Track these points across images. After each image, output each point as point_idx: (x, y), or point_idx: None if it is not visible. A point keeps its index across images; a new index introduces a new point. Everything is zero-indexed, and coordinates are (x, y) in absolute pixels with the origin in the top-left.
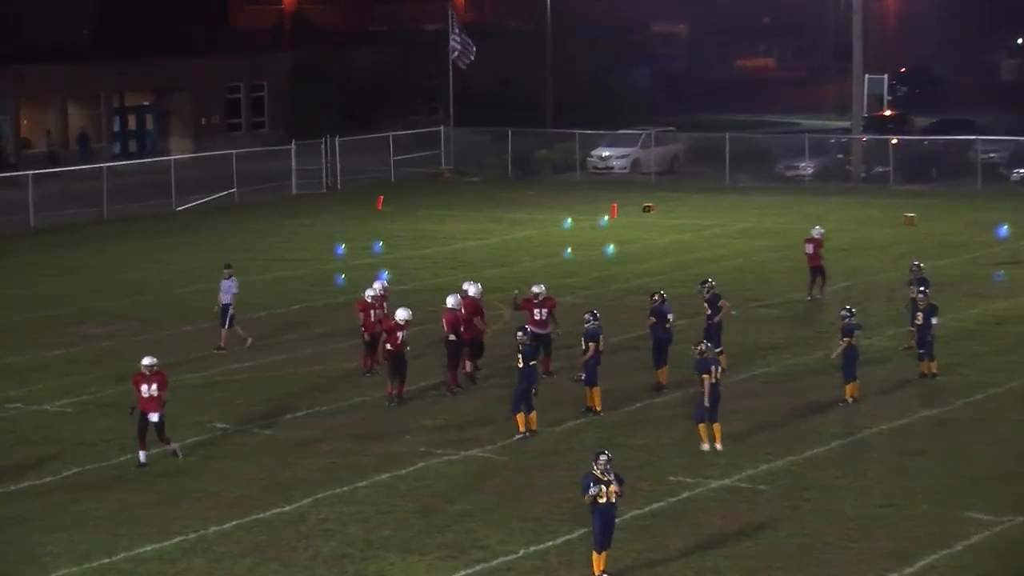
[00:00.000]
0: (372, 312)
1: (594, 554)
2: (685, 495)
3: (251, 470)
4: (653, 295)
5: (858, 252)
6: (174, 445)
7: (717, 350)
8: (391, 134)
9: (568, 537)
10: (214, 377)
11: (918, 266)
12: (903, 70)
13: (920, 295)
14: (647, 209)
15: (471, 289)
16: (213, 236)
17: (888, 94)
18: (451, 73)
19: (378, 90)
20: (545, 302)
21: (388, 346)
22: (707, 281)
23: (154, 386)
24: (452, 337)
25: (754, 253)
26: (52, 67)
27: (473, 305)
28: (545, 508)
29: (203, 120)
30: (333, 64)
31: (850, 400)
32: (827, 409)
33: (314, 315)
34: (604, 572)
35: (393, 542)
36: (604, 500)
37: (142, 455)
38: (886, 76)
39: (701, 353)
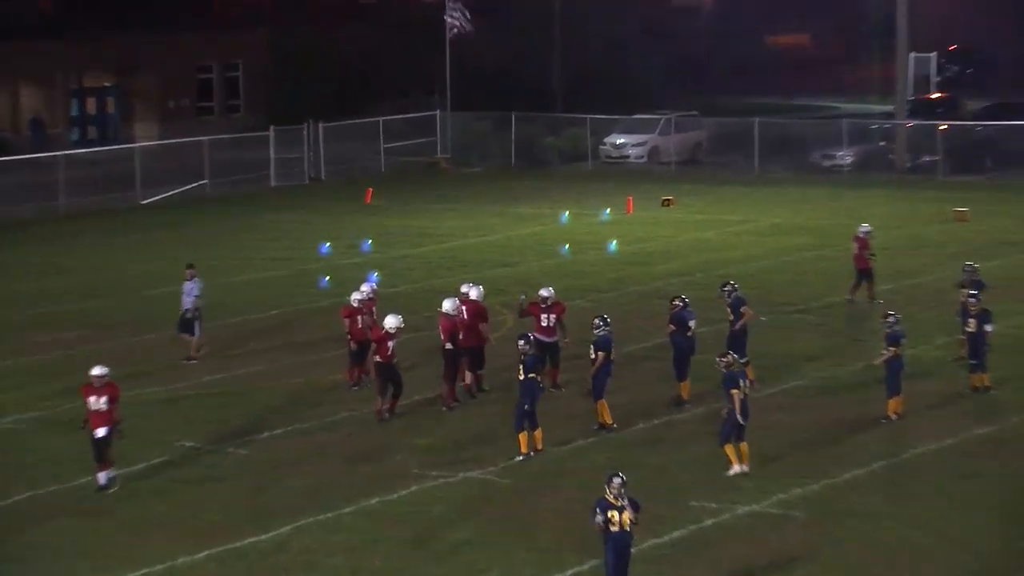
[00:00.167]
0: (359, 318)
1: None
2: (709, 522)
3: (225, 494)
4: (673, 299)
5: (903, 252)
6: (109, 474)
7: (743, 360)
8: (381, 119)
9: (578, 569)
10: (183, 391)
11: (971, 267)
12: (953, 48)
13: (972, 299)
14: (666, 203)
15: (473, 292)
16: (182, 233)
17: (936, 74)
18: (448, 52)
19: (367, 70)
20: (553, 307)
21: (378, 358)
22: (729, 283)
23: (103, 399)
24: (449, 346)
25: (786, 252)
26: (2, 44)
27: (476, 310)
28: (552, 537)
29: (171, 103)
30: (317, 41)
31: (894, 416)
32: (868, 426)
33: (295, 321)
34: None
35: (383, 574)
36: (617, 528)
37: (102, 476)
38: (934, 55)
39: (728, 366)
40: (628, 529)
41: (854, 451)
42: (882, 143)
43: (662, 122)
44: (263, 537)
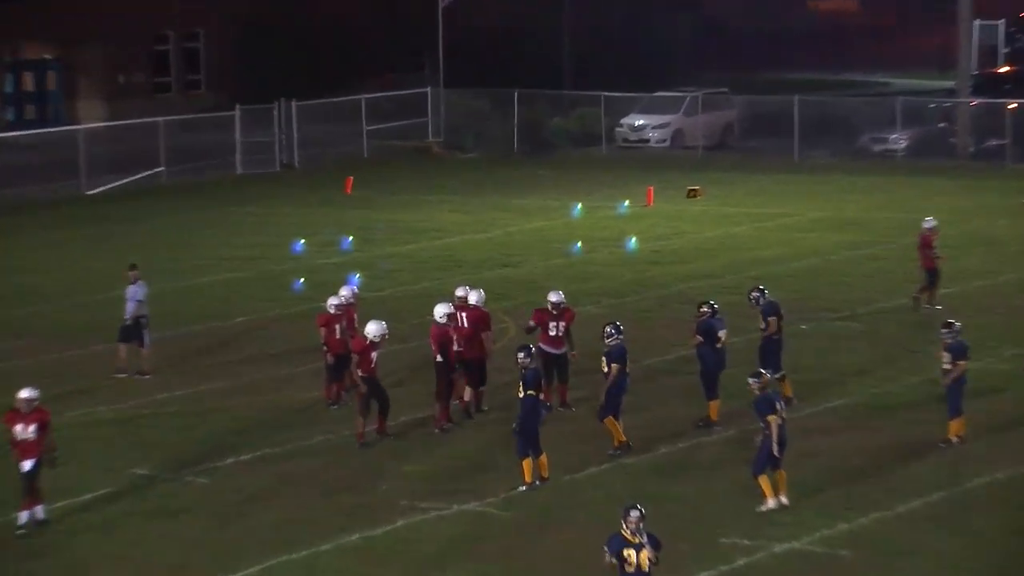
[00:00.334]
0: (337, 327)
1: None
2: (742, 562)
3: (184, 530)
4: (700, 306)
5: (966, 249)
6: (35, 513)
7: (777, 375)
8: (363, 97)
9: None
10: (135, 410)
11: None
12: None
13: None
14: (693, 194)
15: (472, 296)
16: (133, 228)
17: (1005, 45)
18: (440, 20)
19: (348, 42)
20: (563, 314)
21: (360, 371)
22: (757, 288)
23: (32, 427)
24: (439, 358)
25: (831, 251)
26: None
27: (476, 317)
28: None
29: (121, 79)
30: (290, 7)
31: (955, 440)
32: (925, 451)
33: (264, 330)
34: None
35: None
36: (634, 569)
37: (39, 510)
38: (1002, 22)
39: (761, 388)
40: (647, 570)
41: (908, 480)
42: (941, 125)
43: (687, 101)
44: None
